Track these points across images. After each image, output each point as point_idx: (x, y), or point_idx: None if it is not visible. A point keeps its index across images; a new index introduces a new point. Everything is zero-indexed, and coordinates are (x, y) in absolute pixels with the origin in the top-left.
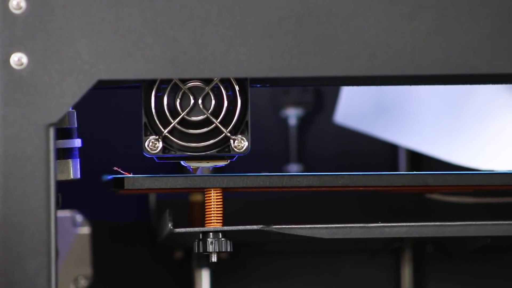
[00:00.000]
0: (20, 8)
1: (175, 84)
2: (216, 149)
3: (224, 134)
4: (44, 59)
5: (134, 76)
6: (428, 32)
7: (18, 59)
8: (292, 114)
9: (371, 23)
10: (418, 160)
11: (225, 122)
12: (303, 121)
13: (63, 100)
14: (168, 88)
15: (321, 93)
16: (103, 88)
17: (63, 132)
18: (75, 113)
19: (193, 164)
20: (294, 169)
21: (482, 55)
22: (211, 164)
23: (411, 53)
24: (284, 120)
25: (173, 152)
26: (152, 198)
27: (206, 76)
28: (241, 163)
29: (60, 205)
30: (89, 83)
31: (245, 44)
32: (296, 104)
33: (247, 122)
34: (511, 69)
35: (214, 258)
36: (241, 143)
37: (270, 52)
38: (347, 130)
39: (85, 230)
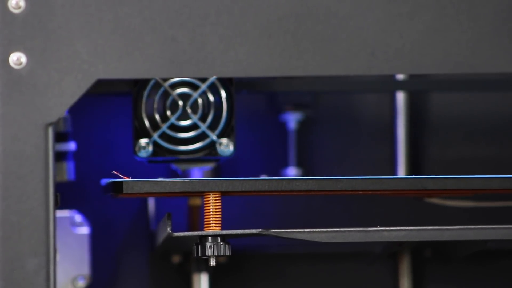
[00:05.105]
0: (19, 7)
1: (165, 90)
2: (204, 152)
3: (210, 138)
4: (43, 58)
5: (132, 76)
6: (426, 31)
7: (17, 58)
8: (291, 118)
9: (369, 23)
10: (417, 164)
11: (212, 126)
12: (302, 125)
13: (62, 99)
14: (158, 94)
15: (320, 97)
16: (98, 94)
17: (57, 136)
18: (69, 117)
19: (182, 166)
20: (293, 172)
21: (481, 55)
22: (199, 166)
23: (409, 53)
24: (283, 124)
25: (162, 155)
26: (151, 201)
27: (204, 75)
28: (240, 167)
29: (59, 204)
30: (88, 83)
31: (243, 43)
32: (295, 108)
33: (232, 126)
34: (510, 69)
35: (213, 262)
36: (226, 147)
37: (269, 52)
38: (345, 134)
39: (84, 230)
